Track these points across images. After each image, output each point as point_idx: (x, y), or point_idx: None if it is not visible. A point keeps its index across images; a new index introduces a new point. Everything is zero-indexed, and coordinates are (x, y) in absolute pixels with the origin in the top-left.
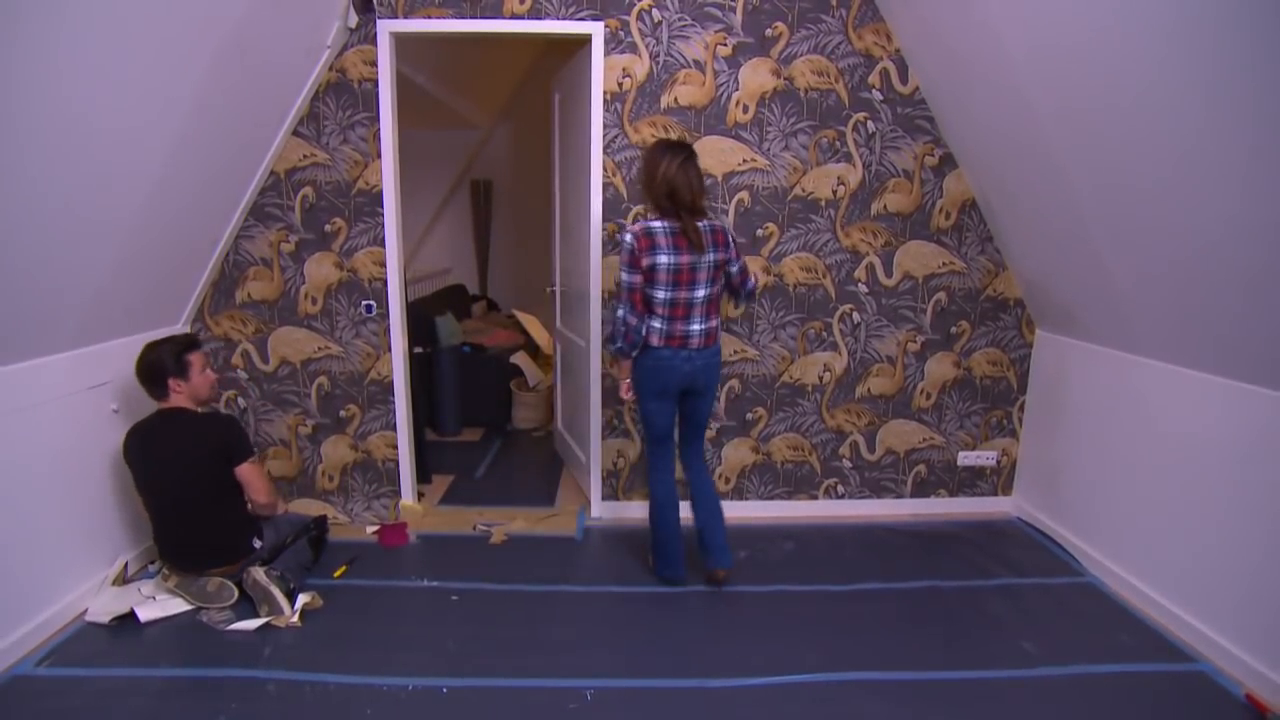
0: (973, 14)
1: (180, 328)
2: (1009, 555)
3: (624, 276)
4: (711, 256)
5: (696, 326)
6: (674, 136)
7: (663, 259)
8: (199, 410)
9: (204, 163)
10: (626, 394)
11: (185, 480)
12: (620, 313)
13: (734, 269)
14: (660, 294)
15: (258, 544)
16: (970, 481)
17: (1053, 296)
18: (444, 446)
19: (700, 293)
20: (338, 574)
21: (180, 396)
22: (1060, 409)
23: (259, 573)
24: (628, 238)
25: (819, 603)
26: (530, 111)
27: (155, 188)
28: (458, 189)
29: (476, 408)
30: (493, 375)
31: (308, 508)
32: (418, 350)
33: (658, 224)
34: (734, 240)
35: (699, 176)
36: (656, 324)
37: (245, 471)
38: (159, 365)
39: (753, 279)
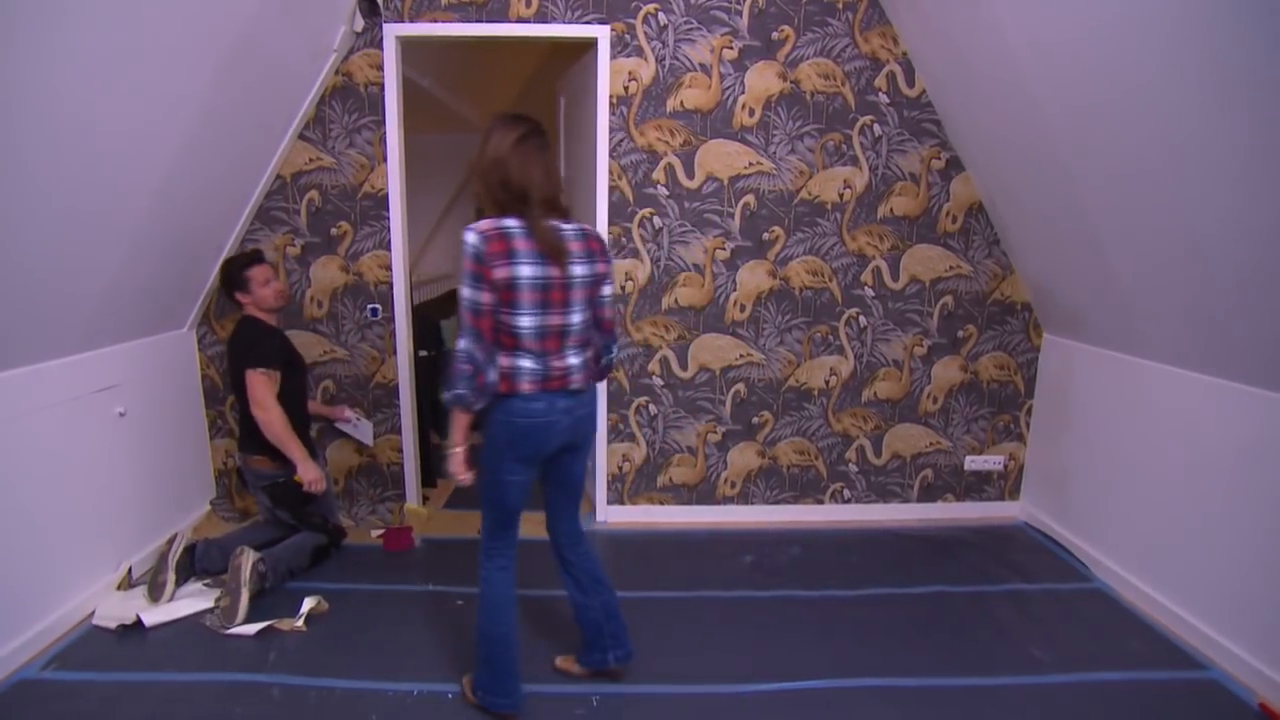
0: (979, 14)
1: (186, 332)
2: (1017, 560)
3: (465, 292)
4: (586, 269)
5: (575, 360)
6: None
7: (525, 271)
8: (263, 318)
9: (210, 167)
10: (463, 474)
11: (230, 373)
12: (461, 344)
13: (607, 291)
14: (525, 320)
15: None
16: (977, 486)
17: (1060, 300)
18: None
19: (576, 316)
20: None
21: (250, 307)
22: (1068, 413)
23: (247, 563)
24: (470, 238)
25: (826, 608)
26: (534, 114)
27: (160, 192)
28: (462, 192)
29: (481, 411)
30: None
31: None
32: (422, 354)
33: (514, 223)
34: (609, 254)
35: (552, 160)
36: (526, 363)
37: (248, 377)
38: (224, 281)
39: (619, 330)
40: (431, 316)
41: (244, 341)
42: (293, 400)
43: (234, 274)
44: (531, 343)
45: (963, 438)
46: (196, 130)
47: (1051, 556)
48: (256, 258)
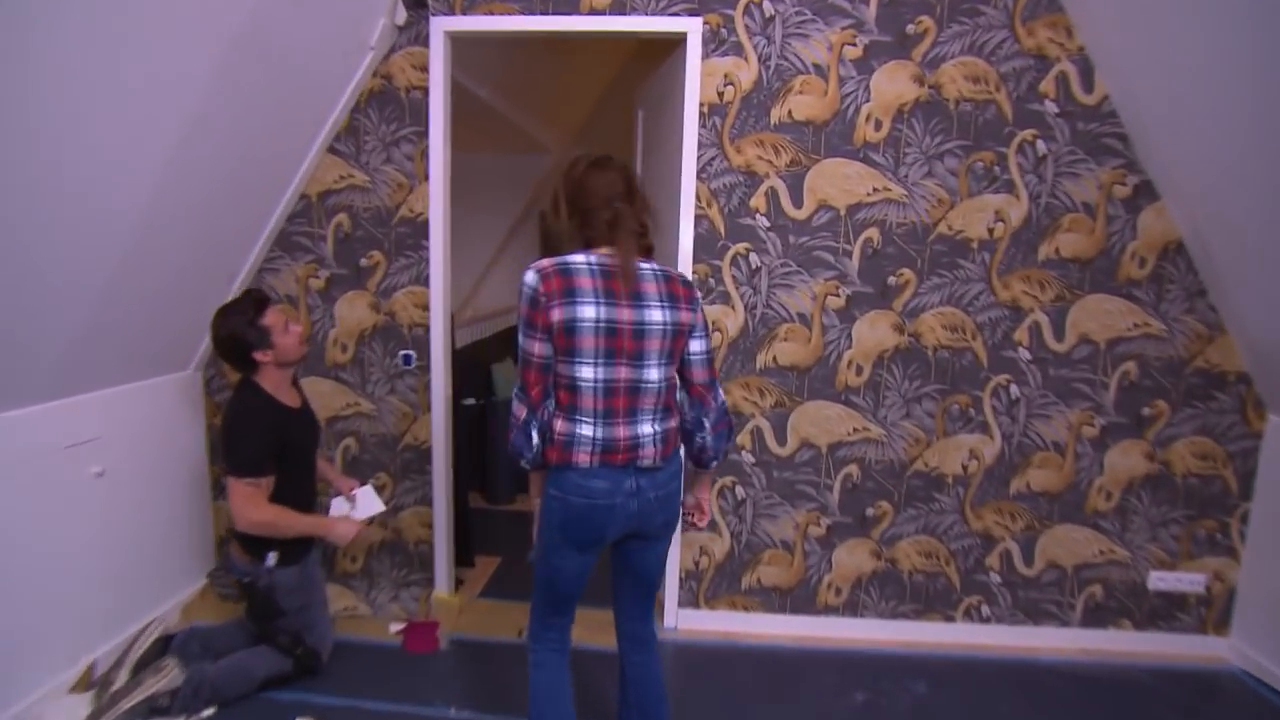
0: None
1: (190, 374)
2: None
3: (520, 340)
4: (667, 316)
5: (648, 429)
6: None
7: (587, 311)
8: (268, 387)
9: (216, 182)
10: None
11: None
12: (514, 391)
13: (697, 347)
14: (585, 372)
15: (271, 559)
16: (1166, 612)
17: None
18: (493, 517)
19: (653, 372)
20: None
21: (269, 367)
22: None
23: (165, 676)
24: (528, 276)
25: None
26: (608, 134)
27: (151, 208)
28: (524, 220)
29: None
30: None
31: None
32: (470, 401)
33: (581, 258)
34: (700, 302)
35: (640, 188)
36: (585, 429)
37: (229, 484)
38: (239, 339)
39: (724, 393)
40: (482, 360)
41: (229, 433)
42: (293, 491)
43: (245, 330)
44: (593, 400)
45: (1146, 546)
46: (194, 136)
47: None
48: (261, 300)
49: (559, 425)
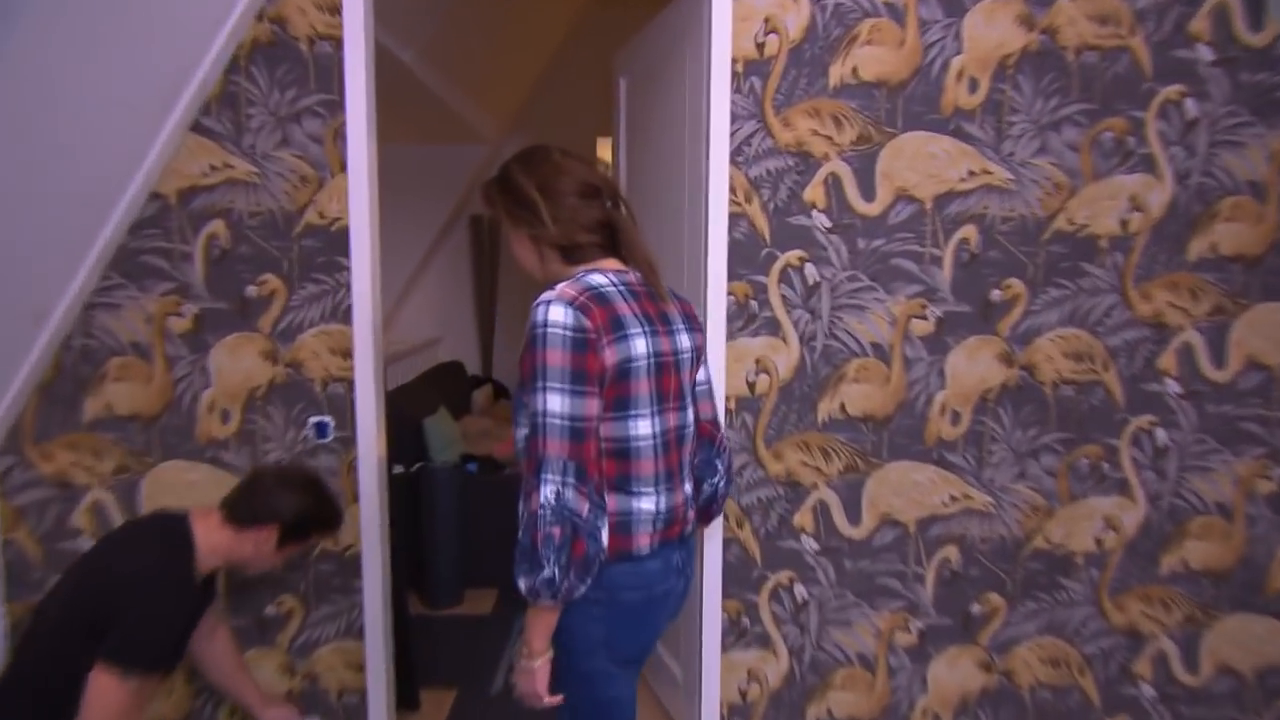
0: None
1: None
2: None
3: (554, 404)
4: (693, 340)
5: (690, 486)
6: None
7: (639, 346)
8: (206, 555)
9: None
10: (546, 695)
11: (53, 614)
12: (546, 493)
13: (704, 375)
14: (642, 427)
15: None
16: None
17: None
18: (437, 628)
19: (691, 413)
20: None
21: (228, 545)
22: None
23: None
24: (558, 313)
25: None
26: (556, 116)
27: None
28: (452, 228)
29: (486, 558)
30: (509, 504)
31: None
32: (397, 470)
33: (600, 278)
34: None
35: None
36: (646, 503)
37: (96, 674)
38: (276, 505)
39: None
40: (409, 412)
41: (138, 602)
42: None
43: (302, 517)
44: (654, 463)
45: None
46: None
47: None
48: (337, 523)
49: (634, 503)
